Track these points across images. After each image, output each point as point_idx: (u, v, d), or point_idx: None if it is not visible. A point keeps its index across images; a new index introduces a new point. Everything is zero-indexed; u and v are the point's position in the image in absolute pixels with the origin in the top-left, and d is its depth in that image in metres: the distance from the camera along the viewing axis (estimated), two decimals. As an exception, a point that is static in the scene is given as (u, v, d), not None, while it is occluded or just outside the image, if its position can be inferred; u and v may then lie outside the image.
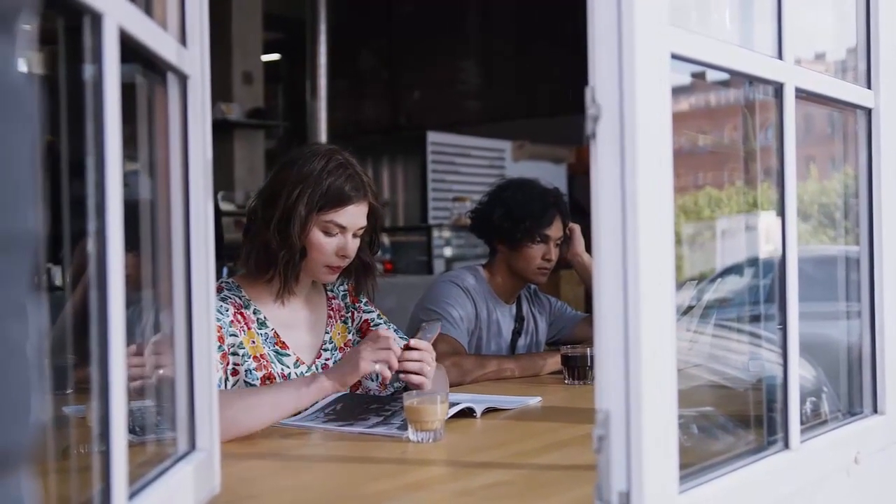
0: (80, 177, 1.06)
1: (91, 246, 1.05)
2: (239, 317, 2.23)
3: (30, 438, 0.59)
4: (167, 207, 1.39)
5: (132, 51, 1.15)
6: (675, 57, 1.28)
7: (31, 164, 0.59)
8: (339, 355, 2.39)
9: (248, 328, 2.25)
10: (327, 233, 2.26)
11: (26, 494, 0.59)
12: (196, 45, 1.41)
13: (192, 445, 1.40)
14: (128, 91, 1.11)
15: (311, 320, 2.39)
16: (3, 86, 0.57)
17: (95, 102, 1.04)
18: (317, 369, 2.33)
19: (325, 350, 2.39)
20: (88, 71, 1.04)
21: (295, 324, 2.35)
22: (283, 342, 2.30)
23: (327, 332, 2.41)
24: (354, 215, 2.28)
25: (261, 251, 2.26)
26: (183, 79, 1.38)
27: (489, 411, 2.23)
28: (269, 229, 2.23)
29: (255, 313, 2.29)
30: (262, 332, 2.27)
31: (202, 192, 1.41)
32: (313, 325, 2.39)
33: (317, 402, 2.14)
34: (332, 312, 2.45)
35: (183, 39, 1.38)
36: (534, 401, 2.40)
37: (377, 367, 2.06)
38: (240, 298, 2.27)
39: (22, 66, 0.59)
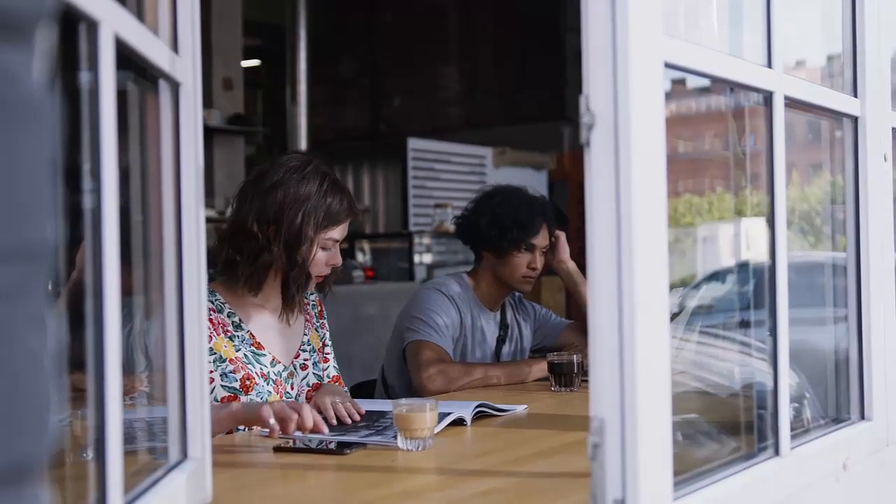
0: (74, 184, 1.05)
1: (85, 253, 1.04)
2: (209, 322, 2.25)
3: (48, 450, 0.59)
4: (159, 214, 1.38)
5: (125, 58, 1.15)
6: (668, 65, 1.29)
7: (49, 175, 0.59)
8: (317, 357, 2.49)
9: (218, 333, 2.29)
10: (324, 248, 2.36)
11: None
12: (188, 53, 1.40)
13: (184, 454, 1.39)
14: (119, 98, 1.11)
15: (286, 324, 2.44)
16: (21, 96, 0.56)
17: (91, 109, 1.03)
18: (294, 369, 2.42)
19: (304, 350, 2.47)
20: (84, 78, 1.04)
21: (272, 327, 2.41)
22: (259, 343, 2.36)
23: (305, 334, 2.49)
24: (346, 228, 2.41)
25: (263, 271, 2.32)
26: (175, 86, 1.38)
27: (479, 416, 2.23)
28: (271, 251, 2.28)
29: (229, 316, 2.34)
30: (239, 334, 2.33)
31: (194, 199, 1.40)
32: (290, 327, 2.45)
33: None
34: (308, 316, 2.53)
35: (175, 47, 1.38)
36: (520, 408, 2.40)
37: (272, 421, 1.95)
38: (213, 302, 2.30)
39: (39, 76, 0.59)
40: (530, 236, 3.06)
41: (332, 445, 1.93)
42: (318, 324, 2.56)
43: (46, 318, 0.59)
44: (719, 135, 2.00)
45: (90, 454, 1.10)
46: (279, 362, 2.38)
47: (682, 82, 1.56)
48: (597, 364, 1.20)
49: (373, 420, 2.19)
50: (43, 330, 0.58)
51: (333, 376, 2.52)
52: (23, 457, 0.56)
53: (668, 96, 1.57)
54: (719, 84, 1.65)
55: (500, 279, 3.12)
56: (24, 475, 0.56)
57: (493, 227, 3.07)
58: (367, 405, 2.32)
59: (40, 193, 0.58)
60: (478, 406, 2.24)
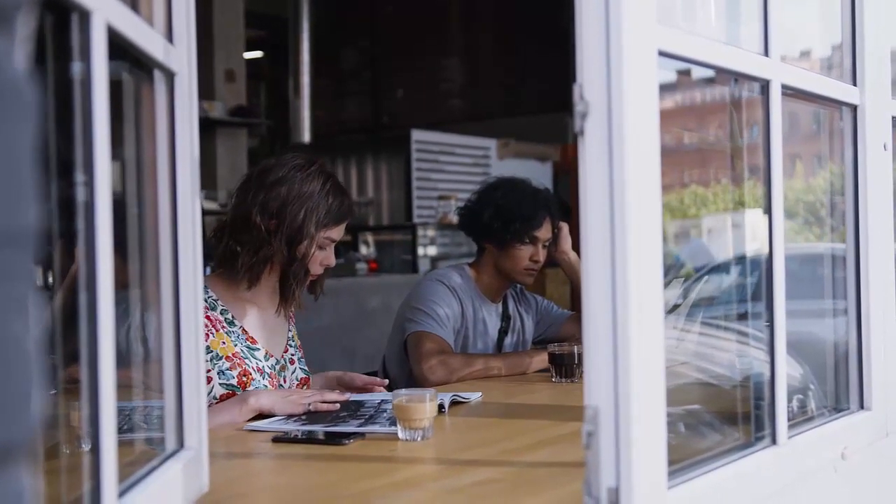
0: (65, 176, 1.06)
1: (78, 246, 1.04)
2: (206, 320, 2.27)
3: (31, 433, 0.59)
4: (154, 206, 1.38)
5: (119, 48, 1.15)
6: (662, 54, 1.29)
7: (31, 162, 0.59)
8: (300, 353, 2.55)
9: (217, 329, 2.32)
10: (321, 247, 2.39)
11: (27, 488, 0.60)
12: (183, 43, 1.40)
13: (181, 444, 1.39)
14: (113, 88, 1.11)
15: (275, 319, 2.48)
16: (3, 83, 0.57)
17: (83, 100, 1.03)
18: (284, 362, 2.47)
19: (291, 346, 2.52)
20: (76, 68, 1.04)
21: (261, 322, 2.44)
22: (252, 337, 2.39)
23: (290, 331, 2.54)
24: (343, 230, 2.45)
25: (262, 264, 2.34)
26: (170, 76, 1.38)
27: (454, 404, 2.28)
28: (272, 245, 2.32)
29: (222, 313, 2.37)
30: (233, 330, 2.36)
31: (189, 190, 1.41)
32: (277, 323, 2.49)
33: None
34: (291, 314, 2.57)
35: (170, 36, 1.38)
36: (476, 396, 2.43)
37: (288, 408, 2.18)
38: (206, 300, 2.31)
39: (21, 63, 0.59)
40: (533, 229, 3.06)
41: (331, 436, 1.93)
42: (295, 322, 2.61)
43: (30, 303, 0.60)
44: (724, 126, 2.00)
45: (88, 444, 1.10)
46: (272, 356, 2.42)
47: (687, 73, 1.56)
48: (591, 352, 1.21)
49: (354, 410, 2.19)
50: (26, 315, 0.59)
51: (302, 378, 2.53)
52: (4, 440, 0.57)
53: (674, 87, 1.57)
54: (722, 74, 1.65)
55: (502, 271, 3.11)
56: (5, 458, 0.57)
57: (496, 218, 3.07)
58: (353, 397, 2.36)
59: (22, 180, 0.58)
60: (452, 400, 2.28)
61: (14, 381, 0.57)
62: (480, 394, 2.46)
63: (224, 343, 2.32)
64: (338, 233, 2.41)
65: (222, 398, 2.26)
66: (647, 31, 1.24)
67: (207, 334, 2.28)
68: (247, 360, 2.33)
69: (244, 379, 2.30)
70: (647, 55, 1.24)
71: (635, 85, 1.20)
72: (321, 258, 2.40)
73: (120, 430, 1.13)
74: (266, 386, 2.34)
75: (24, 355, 0.58)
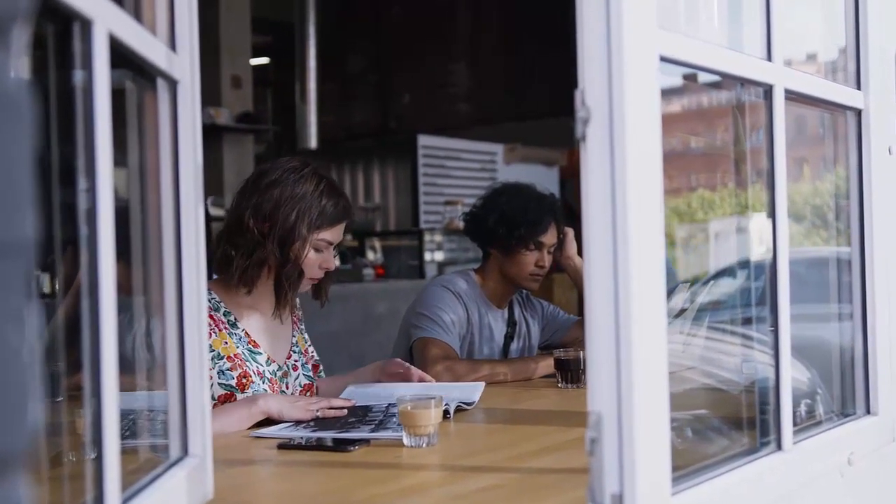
0: (70, 183, 1.06)
1: (81, 253, 1.05)
2: (209, 320, 2.27)
3: (27, 443, 0.59)
4: (157, 214, 1.38)
5: (121, 56, 1.15)
6: (664, 59, 1.29)
7: (28, 170, 0.60)
8: (304, 359, 2.54)
9: (220, 329, 2.33)
10: (317, 250, 2.38)
11: (24, 498, 0.60)
12: (186, 51, 1.41)
13: (185, 451, 1.40)
14: (117, 96, 1.11)
15: (278, 325, 2.48)
16: (0, 93, 0.57)
17: (85, 108, 1.04)
18: (287, 368, 2.47)
19: (294, 352, 2.52)
20: (78, 77, 1.04)
21: (264, 327, 2.45)
22: (255, 341, 2.40)
23: (294, 336, 2.54)
24: (341, 232, 2.44)
25: (257, 267, 2.34)
26: (173, 84, 1.38)
27: (458, 410, 2.28)
28: (265, 247, 2.32)
29: (225, 315, 2.37)
30: (235, 332, 2.37)
31: (193, 197, 1.41)
32: (281, 329, 2.49)
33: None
34: (295, 320, 2.57)
35: (172, 45, 1.38)
36: (478, 390, 2.45)
37: (296, 413, 2.18)
38: (209, 302, 2.32)
39: (18, 73, 0.59)
40: (538, 234, 3.06)
41: (336, 442, 1.93)
42: (301, 327, 2.60)
43: (27, 313, 0.60)
44: (730, 129, 1.99)
45: (94, 452, 1.10)
46: (274, 361, 2.42)
47: (693, 77, 1.56)
48: (594, 358, 1.21)
49: (362, 416, 2.18)
50: (22, 324, 0.59)
51: (306, 384, 2.53)
52: (1, 450, 0.57)
53: (680, 91, 1.57)
54: (725, 78, 1.65)
55: (508, 277, 3.11)
56: (2, 468, 0.57)
57: (501, 224, 3.07)
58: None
59: (20, 190, 0.58)
60: (457, 407, 2.27)
61: (10, 392, 0.57)
62: (483, 384, 2.48)
63: (226, 343, 2.32)
64: (333, 235, 2.39)
65: (221, 399, 2.26)
66: (648, 36, 1.24)
67: (210, 333, 2.28)
68: (247, 363, 2.33)
69: (243, 381, 2.30)
70: (648, 60, 1.24)
71: (637, 90, 1.20)
72: (319, 261, 2.39)
73: (123, 437, 1.14)
74: (265, 390, 2.34)
75: (21, 365, 0.58)
